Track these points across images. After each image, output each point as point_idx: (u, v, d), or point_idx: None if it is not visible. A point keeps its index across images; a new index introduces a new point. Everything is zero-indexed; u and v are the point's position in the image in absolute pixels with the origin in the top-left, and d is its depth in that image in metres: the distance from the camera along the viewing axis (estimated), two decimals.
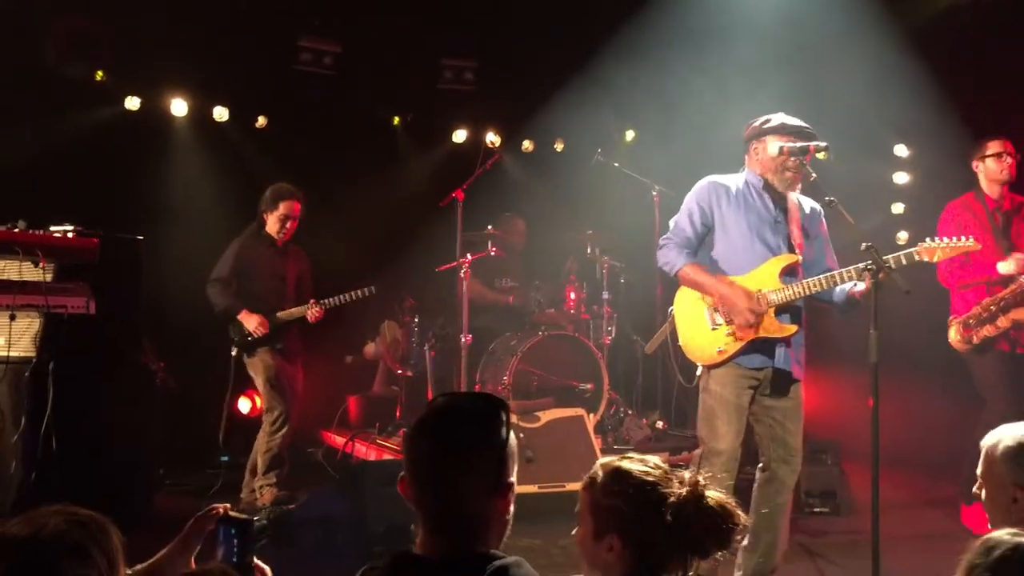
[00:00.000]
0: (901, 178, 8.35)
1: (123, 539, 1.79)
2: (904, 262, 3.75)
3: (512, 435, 1.88)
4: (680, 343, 4.12)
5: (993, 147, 5.42)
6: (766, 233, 4.03)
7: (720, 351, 3.95)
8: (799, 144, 3.94)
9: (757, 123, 4.12)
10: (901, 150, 8.34)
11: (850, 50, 7.18)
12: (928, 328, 5.60)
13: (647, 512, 1.96)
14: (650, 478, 2.01)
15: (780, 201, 4.08)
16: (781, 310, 3.96)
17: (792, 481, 4.03)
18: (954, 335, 5.29)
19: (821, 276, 3.90)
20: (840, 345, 6.32)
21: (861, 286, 3.84)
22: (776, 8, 7.08)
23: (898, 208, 8.29)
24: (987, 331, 5.20)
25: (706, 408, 4.02)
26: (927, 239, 3.85)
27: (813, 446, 5.98)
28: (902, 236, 7.74)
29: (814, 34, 7.08)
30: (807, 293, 3.90)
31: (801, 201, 4.15)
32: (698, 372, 4.07)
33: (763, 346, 3.95)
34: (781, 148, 3.97)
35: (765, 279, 3.96)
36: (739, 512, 2.06)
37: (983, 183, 5.46)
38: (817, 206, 4.18)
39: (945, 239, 3.83)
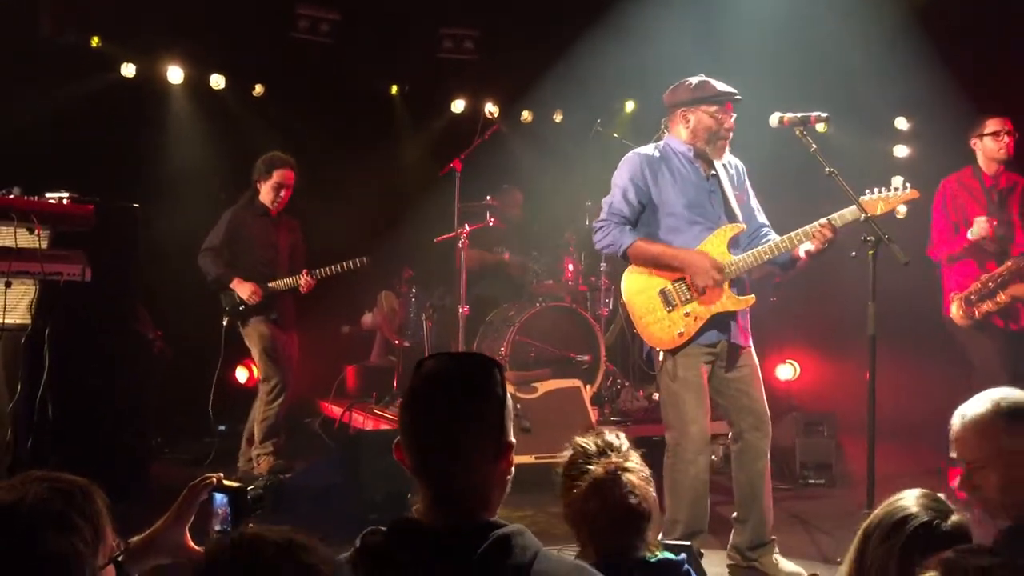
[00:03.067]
0: (901, 151, 8.31)
1: (109, 504, 1.75)
2: (848, 218, 3.75)
3: (508, 393, 1.85)
4: (636, 329, 4.04)
5: (992, 125, 5.40)
6: (704, 205, 3.98)
7: (680, 333, 3.90)
8: (800, 115, 3.90)
9: (688, 86, 4.01)
10: (901, 123, 8.30)
11: (852, 22, 7.12)
12: (926, 300, 5.60)
13: None
14: None
15: (712, 168, 4.02)
16: (733, 282, 3.93)
17: (766, 446, 4.01)
18: (956, 311, 5.29)
19: (771, 243, 3.88)
20: (837, 316, 6.33)
21: (809, 246, 3.81)
22: None
23: (897, 181, 8.23)
24: (988, 306, 5.21)
25: (672, 394, 3.97)
26: (866, 192, 3.81)
27: (809, 418, 6.00)
28: (901, 209, 7.68)
29: (817, 6, 7.01)
30: (759, 262, 3.88)
31: (725, 163, 4.08)
32: (660, 357, 3.99)
33: (717, 322, 3.93)
34: (782, 118, 3.92)
35: (714, 253, 3.91)
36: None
37: (980, 160, 5.45)
38: (740, 163, 4.14)
39: (883, 190, 3.80)
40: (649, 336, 4.00)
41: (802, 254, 3.88)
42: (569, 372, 6.47)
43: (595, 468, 2.16)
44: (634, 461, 2.21)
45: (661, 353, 3.99)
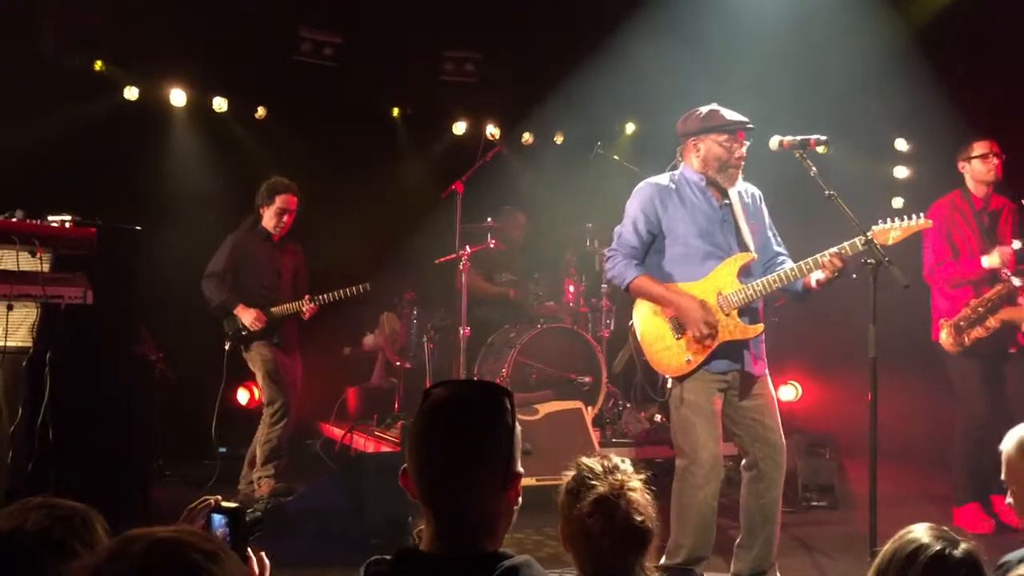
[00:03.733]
0: (901, 172, 8.34)
1: (109, 530, 1.75)
2: (860, 247, 3.72)
3: (516, 423, 1.85)
4: (645, 356, 4.03)
5: (979, 148, 5.40)
6: (716, 234, 3.97)
7: (689, 360, 3.90)
8: (799, 138, 3.91)
9: (698, 117, 4.03)
10: (901, 144, 8.32)
11: (852, 44, 7.16)
12: (925, 323, 5.60)
13: None
14: None
15: (724, 197, 4.01)
16: (742, 311, 3.92)
17: (780, 477, 3.99)
18: (946, 337, 5.27)
19: (781, 271, 3.86)
20: (837, 340, 6.33)
21: (820, 275, 3.81)
22: (778, 2, 7.05)
23: (898, 202, 8.27)
24: (978, 333, 5.19)
25: (682, 419, 3.95)
26: (878, 221, 3.80)
27: (811, 440, 5.99)
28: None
29: (816, 27, 7.06)
30: (768, 291, 3.86)
31: (741, 191, 4.08)
32: (669, 384, 4.00)
33: (728, 350, 3.91)
34: (781, 141, 3.93)
35: (723, 282, 3.91)
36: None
37: (969, 183, 5.45)
38: (757, 191, 4.13)
39: (896, 220, 3.77)
40: (658, 363, 4.01)
41: (813, 283, 3.87)
42: (570, 394, 6.46)
43: (600, 486, 2.17)
44: (638, 482, 2.21)
45: (670, 380, 3.99)
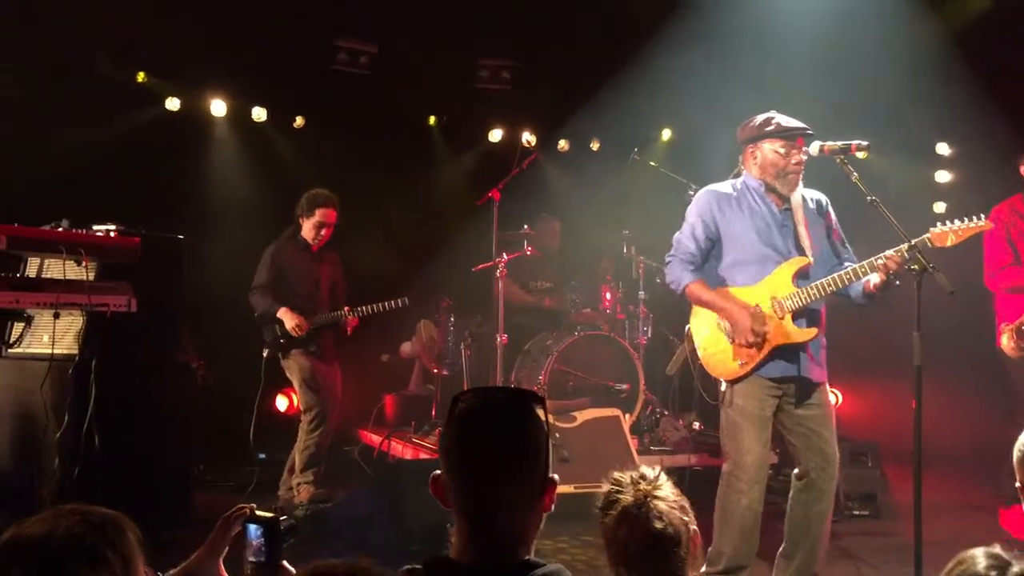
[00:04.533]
0: (943, 176, 8.23)
1: (141, 537, 1.75)
2: (917, 249, 3.66)
3: (549, 429, 1.84)
4: (700, 360, 4.04)
5: None
6: (774, 238, 3.95)
7: (742, 364, 3.88)
8: (840, 143, 3.86)
9: (755, 124, 4.01)
10: (943, 148, 8.22)
11: (892, 47, 7.08)
12: (970, 330, 5.52)
13: None
14: None
15: (784, 202, 3.99)
16: (798, 314, 3.88)
17: (832, 488, 3.95)
18: (1007, 342, 5.18)
19: (835, 275, 3.82)
20: (880, 346, 6.25)
21: (876, 279, 3.76)
22: (817, 6, 7.00)
23: (940, 207, 8.16)
24: None
25: (730, 422, 3.94)
26: (937, 224, 3.74)
27: (853, 448, 5.91)
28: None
29: (856, 32, 6.99)
30: (823, 294, 3.82)
31: (805, 196, 4.05)
32: (722, 388, 3.99)
33: (784, 354, 3.87)
34: (822, 147, 3.89)
35: (778, 285, 3.88)
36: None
37: None
38: (823, 197, 4.09)
39: (956, 221, 3.70)
40: (712, 367, 4.01)
41: (871, 287, 3.81)
42: (608, 401, 6.44)
43: (624, 496, 2.17)
44: (666, 490, 2.21)
45: (723, 384, 3.98)
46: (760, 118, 4.01)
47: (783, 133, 3.93)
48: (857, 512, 5.76)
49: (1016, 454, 2.41)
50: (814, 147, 3.91)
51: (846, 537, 5.28)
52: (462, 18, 7.84)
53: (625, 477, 2.23)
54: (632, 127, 8.29)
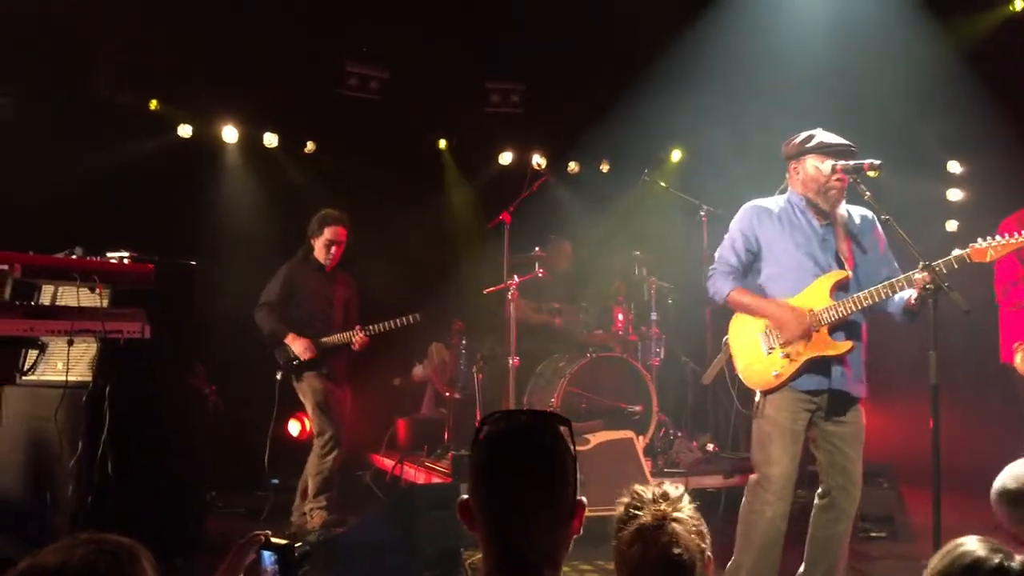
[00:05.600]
0: (955, 195, 8.21)
1: (155, 565, 1.76)
2: (955, 265, 3.66)
3: (576, 452, 1.84)
4: (737, 371, 4.06)
5: None
6: (815, 252, 3.96)
7: (776, 375, 3.89)
8: (852, 163, 3.87)
9: (797, 141, 4.03)
10: (954, 166, 8.20)
11: (902, 66, 7.09)
12: (989, 346, 5.47)
13: None
14: None
15: (825, 218, 4.01)
16: (835, 327, 3.88)
17: (852, 510, 3.93)
18: (1020, 361, 5.14)
19: (871, 289, 3.81)
20: (896, 365, 6.22)
21: (914, 294, 3.75)
22: (826, 24, 7.02)
23: (952, 225, 8.14)
24: None
25: (761, 433, 3.95)
26: (978, 239, 3.74)
27: (869, 469, 5.79)
28: (956, 254, 7.58)
29: (865, 50, 7.00)
30: (858, 308, 3.82)
31: (850, 212, 4.07)
32: (756, 399, 4.00)
33: (819, 367, 3.87)
34: (834, 167, 3.90)
35: (816, 298, 3.89)
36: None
37: None
38: (869, 214, 4.09)
39: (997, 237, 3.70)
40: (748, 377, 4.02)
41: (912, 302, 3.79)
42: (621, 423, 6.42)
43: (643, 514, 2.14)
44: (686, 512, 2.17)
45: (758, 395, 3.98)
46: (803, 135, 4.04)
47: (824, 149, 3.95)
48: (874, 534, 5.70)
49: (993, 495, 2.40)
50: (826, 166, 3.92)
51: (862, 559, 5.23)
52: (472, 42, 7.90)
53: (647, 493, 2.19)
54: (642, 148, 8.31)
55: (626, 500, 2.21)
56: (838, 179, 3.91)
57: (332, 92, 8.00)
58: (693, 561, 2.12)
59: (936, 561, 1.87)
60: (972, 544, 1.86)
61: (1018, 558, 1.83)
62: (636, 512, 2.15)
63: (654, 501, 2.17)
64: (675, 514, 2.14)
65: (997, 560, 1.80)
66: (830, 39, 7.02)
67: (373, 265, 7.23)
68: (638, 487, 2.22)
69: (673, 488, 2.23)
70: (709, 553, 2.19)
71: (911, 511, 5.89)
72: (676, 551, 2.09)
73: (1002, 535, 2.37)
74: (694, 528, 2.16)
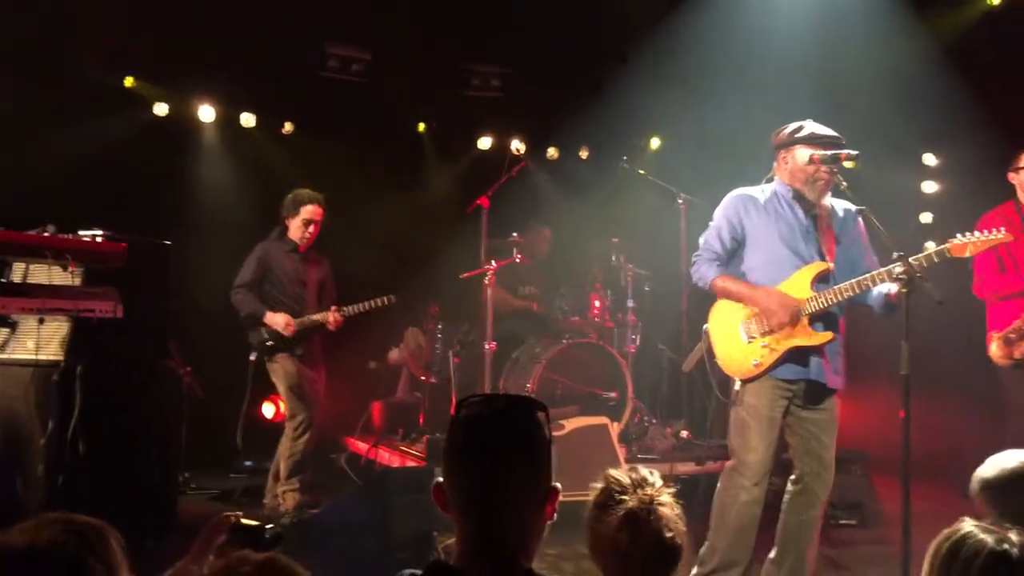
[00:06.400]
0: (930, 187, 8.27)
1: (124, 545, 1.75)
2: (935, 259, 3.70)
3: (552, 437, 1.84)
4: (716, 359, 4.09)
5: None
6: (798, 243, 3.99)
7: (756, 364, 3.92)
8: (829, 152, 3.90)
9: (787, 131, 4.05)
10: (929, 159, 8.26)
11: (880, 58, 7.12)
12: (959, 339, 5.54)
13: None
14: None
15: (811, 209, 4.03)
16: (815, 318, 3.91)
17: (825, 495, 3.99)
18: (995, 350, 5.20)
19: (852, 281, 3.84)
20: (868, 354, 6.26)
21: (894, 288, 3.78)
22: (805, 16, 7.03)
23: (927, 217, 8.21)
24: None
25: (739, 420, 3.98)
26: (957, 235, 3.79)
27: (840, 456, 5.84)
28: (930, 246, 7.60)
29: (843, 42, 7.03)
30: (839, 300, 3.86)
31: (834, 205, 4.10)
32: (736, 387, 4.03)
33: (797, 357, 3.91)
34: (811, 156, 3.92)
35: (797, 289, 3.92)
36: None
37: (1020, 194, 5.38)
38: (852, 207, 4.12)
39: (976, 233, 3.76)
40: (727, 365, 4.05)
41: (893, 296, 3.82)
42: (596, 409, 6.43)
43: (629, 500, 2.15)
44: (668, 496, 2.19)
45: (737, 383, 4.01)
46: (793, 125, 4.06)
47: (814, 140, 3.96)
48: (844, 521, 5.76)
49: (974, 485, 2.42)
50: (803, 155, 3.94)
51: (832, 546, 5.27)
52: (453, 26, 7.85)
53: (624, 478, 2.20)
54: (621, 135, 8.31)
55: (601, 485, 2.21)
56: (827, 171, 3.92)
57: (312, 73, 7.93)
58: (683, 544, 2.14)
59: (939, 546, 1.88)
60: (970, 527, 1.87)
61: (1014, 537, 1.84)
62: (621, 497, 2.15)
63: (637, 486, 2.17)
64: (661, 498, 2.16)
65: (1005, 547, 1.81)
66: (808, 30, 7.03)
67: (350, 248, 7.20)
68: (613, 472, 2.23)
69: (648, 473, 2.24)
70: (688, 537, 2.21)
71: (881, 498, 5.95)
72: (668, 534, 2.11)
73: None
74: (677, 512, 2.17)
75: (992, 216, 5.36)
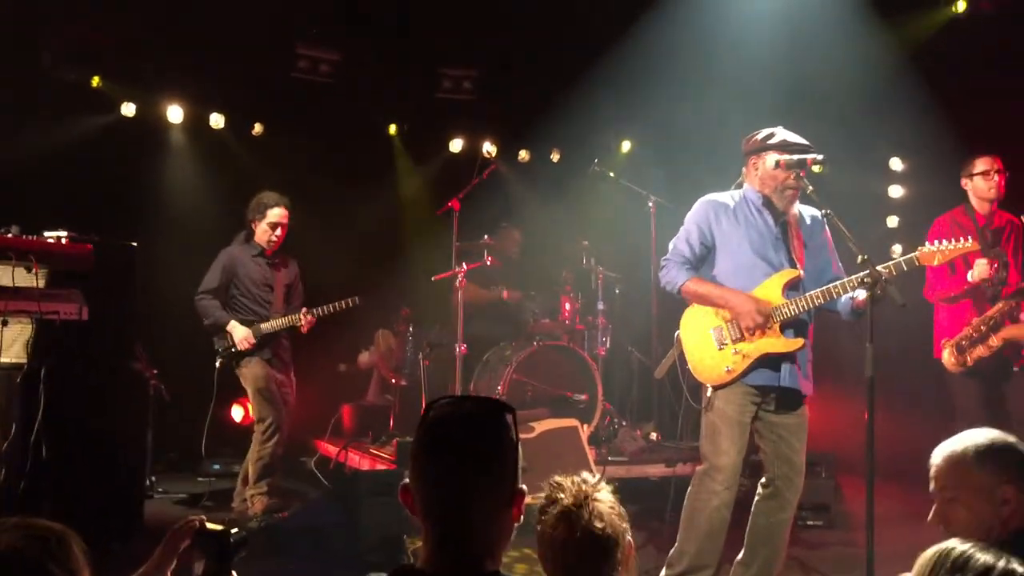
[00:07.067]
0: (896, 191, 8.37)
1: (87, 550, 1.73)
2: (904, 267, 3.75)
3: (519, 439, 1.84)
4: (688, 365, 4.09)
5: (981, 164, 5.38)
6: (767, 250, 4.01)
7: (728, 370, 3.94)
8: (796, 157, 3.93)
9: (758, 138, 4.07)
10: (896, 163, 8.36)
11: (848, 63, 7.19)
12: (923, 341, 5.59)
13: None
14: None
15: (780, 216, 4.06)
16: (786, 325, 3.94)
17: (795, 499, 4.02)
18: (948, 357, 5.25)
19: (822, 289, 3.88)
20: (835, 358, 6.33)
21: (862, 295, 3.81)
22: (774, 21, 7.09)
23: (893, 221, 8.30)
24: (980, 352, 5.16)
25: (710, 425, 4.00)
26: (926, 243, 3.85)
27: (808, 458, 5.89)
28: (896, 249, 7.76)
29: (811, 46, 7.09)
30: (810, 307, 3.89)
31: (801, 212, 4.13)
32: (708, 393, 4.04)
33: (769, 363, 3.93)
34: (778, 161, 3.95)
35: (768, 296, 3.95)
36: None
37: (972, 200, 5.43)
38: (818, 214, 4.14)
39: (944, 242, 3.82)
40: (699, 372, 4.05)
41: (861, 301, 3.85)
42: (566, 411, 6.45)
43: (564, 499, 2.18)
44: (605, 493, 2.22)
45: (709, 389, 4.02)
46: (764, 131, 4.07)
47: (785, 147, 3.99)
48: (811, 522, 5.80)
49: (945, 460, 2.40)
50: (771, 161, 3.97)
51: (799, 547, 5.32)
52: (425, 28, 7.84)
53: (565, 480, 2.24)
54: (593, 138, 8.34)
55: (546, 492, 2.25)
56: (794, 177, 3.94)
57: (282, 74, 7.88)
58: (617, 536, 2.16)
59: (932, 563, 1.85)
60: (960, 548, 1.84)
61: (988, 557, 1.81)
62: (558, 496, 2.19)
63: (575, 484, 2.21)
64: (595, 494, 2.19)
65: (1010, 566, 1.78)
66: (776, 35, 7.09)
67: (319, 251, 7.17)
68: (557, 478, 2.26)
69: (590, 475, 2.27)
70: (630, 539, 2.23)
71: (848, 500, 6.01)
72: (599, 525, 2.13)
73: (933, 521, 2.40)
74: (612, 506, 2.20)
75: (944, 220, 5.43)
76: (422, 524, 1.78)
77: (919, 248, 3.82)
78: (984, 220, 5.39)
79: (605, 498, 2.20)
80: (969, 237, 3.86)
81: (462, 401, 1.90)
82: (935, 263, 3.82)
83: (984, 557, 1.79)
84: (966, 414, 5.26)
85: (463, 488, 1.74)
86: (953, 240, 3.83)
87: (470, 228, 6.80)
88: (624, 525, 2.20)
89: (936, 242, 3.83)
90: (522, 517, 1.82)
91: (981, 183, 5.37)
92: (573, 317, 7.25)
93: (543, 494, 2.25)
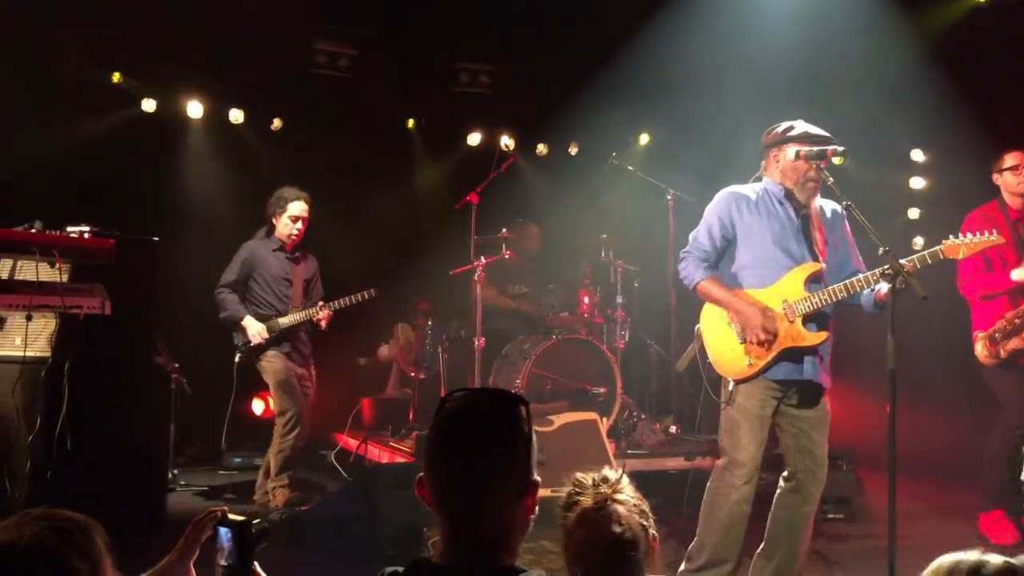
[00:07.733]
0: (917, 183, 8.31)
1: (109, 542, 1.72)
2: (928, 260, 3.71)
3: (533, 431, 1.84)
4: (709, 359, 4.06)
5: (1011, 159, 5.34)
6: (789, 243, 3.97)
7: (750, 364, 3.90)
8: (816, 148, 3.89)
9: (779, 130, 4.03)
10: (918, 155, 8.30)
11: (869, 54, 7.14)
12: (946, 335, 5.56)
13: None
14: None
15: (801, 209, 4.03)
16: (809, 318, 3.91)
17: (818, 492, 3.98)
18: (980, 350, 5.21)
19: (844, 282, 3.84)
20: (856, 351, 6.29)
21: (884, 287, 3.78)
22: (794, 13, 7.05)
23: (914, 213, 8.24)
24: (1014, 344, 5.12)
25: (729, 419, 3.97)
26: (950, 236, 3.81)
27: (829, 452, 5.88)
28: (918, 241, 7.71)
29: (832, 38, 7.04)
30: (832, 300, 3.86)
31: (822, 206, 4.09)
32: (729, 387, 4.01)
33: (792, 357, 3.90)
34: (798, 152, 3.92)
35: (790, 289, 3.92)
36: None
37: (1005, 195, 5.39)
38: (839, 207, 4.11)
39: (968, 235, 3.78)
40: (720, 366, 4.02)
41: (882, 296, 3.82)
42: (585, 405, 6.44)
43: (584, 499, 2.18)
44: (626, 493, 2.22)
45: (730, 383, 4.00)
46: (785, 124, 4.03)
47: (805, 139, 3.96)
48: (832, 515, 5.78)
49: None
50: (790, 152, 3.94)
51: (821, 540, 5.30)
52: (442, 22, 7.84)
53: (587, 479, 2.24)
54: (610, 131, 8.31)
55: (568, 489, 2.25)
56: (815, 169, 3.91)
57: (300, 69, 7.91)
58: (636, 537, 2.16)
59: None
60: (984, 557, 1.81)
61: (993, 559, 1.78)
62: (579, 497, 2.19)
63: (595, 485, 2.21)
64: (616, 495, 2.18)
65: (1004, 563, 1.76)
66: (797, 27, 7.05)
67: (338, 245, 7.19)
68: (579, 475, 2.26)
69: (612, 472, 2.27)
70: (654, 532, 2.23)
71: (869, 493, 5.98)
72: (617, 528, 2.13)
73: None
74: (635, 507, 2.20)
75: (976, 216, 5.38)
76: (436, 517, 1.79)
77: (943, 241, 3.78)
78: (1016, 214, 5.34)
79: (626, 498, 2.20)
80: (995, 230, 3.82)
81: (476, 393, 1.90)
82: (960, 256, 3.78)
83: (995, 562, 1.76)
84: (1011, 403, 5.22)
85: (472, 481, 1.74)
86: (978, 233, 3.79)
87: (488, 222, 6.80)
88: (646, 522, 2.20)
89: (961, 236, 3.80)
90: (537, 509, 1.82)
91: (1011, 178, 5.33)
92: (592, 310, 7.24)
93: (565, 488, 2.25)
